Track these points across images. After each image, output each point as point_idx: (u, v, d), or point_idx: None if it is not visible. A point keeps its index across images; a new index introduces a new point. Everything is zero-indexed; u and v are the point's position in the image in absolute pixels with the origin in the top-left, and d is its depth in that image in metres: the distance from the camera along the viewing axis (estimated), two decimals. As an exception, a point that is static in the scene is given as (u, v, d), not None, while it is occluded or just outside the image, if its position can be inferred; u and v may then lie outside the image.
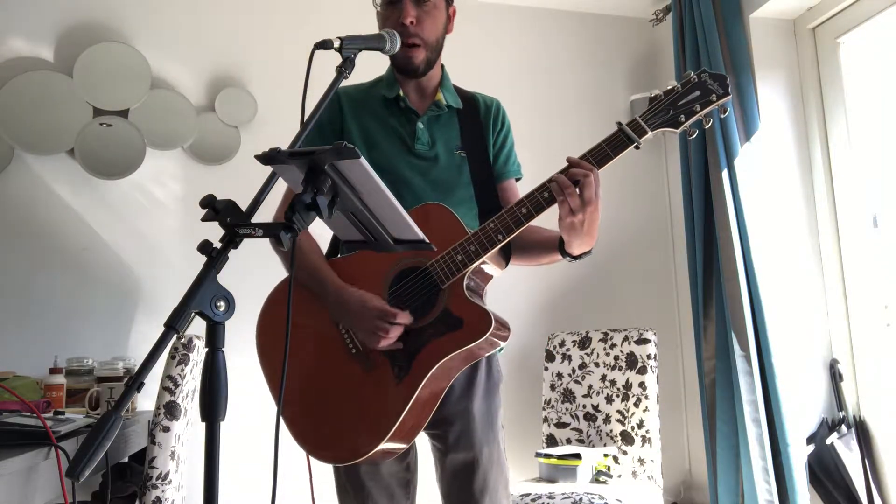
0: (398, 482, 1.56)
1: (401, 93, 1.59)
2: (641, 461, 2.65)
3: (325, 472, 1.54)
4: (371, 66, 1.71)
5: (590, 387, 2.84)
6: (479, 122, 1.62)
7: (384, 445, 1.38)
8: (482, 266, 1.43)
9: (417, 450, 1.63)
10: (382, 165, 1.55)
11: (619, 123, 1.36)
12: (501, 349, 1.61)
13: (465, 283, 1.38)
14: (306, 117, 1.24)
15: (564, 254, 1.42)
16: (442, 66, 1.64)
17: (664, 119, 1.36)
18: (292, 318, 1.50)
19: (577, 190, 1.30)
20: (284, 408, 1.46)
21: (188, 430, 2.09)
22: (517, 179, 1.69)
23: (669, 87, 1.38)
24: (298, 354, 1.46)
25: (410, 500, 1.60)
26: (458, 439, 1.51)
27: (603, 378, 2.82)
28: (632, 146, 1.34)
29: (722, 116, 1.39)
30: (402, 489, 1.57)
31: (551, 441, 2.85)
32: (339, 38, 1.30)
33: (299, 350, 1.46)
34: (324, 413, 1.44)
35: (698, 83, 1.37)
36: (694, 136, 1.41)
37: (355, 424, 1.40)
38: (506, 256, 1.51)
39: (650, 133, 1.36)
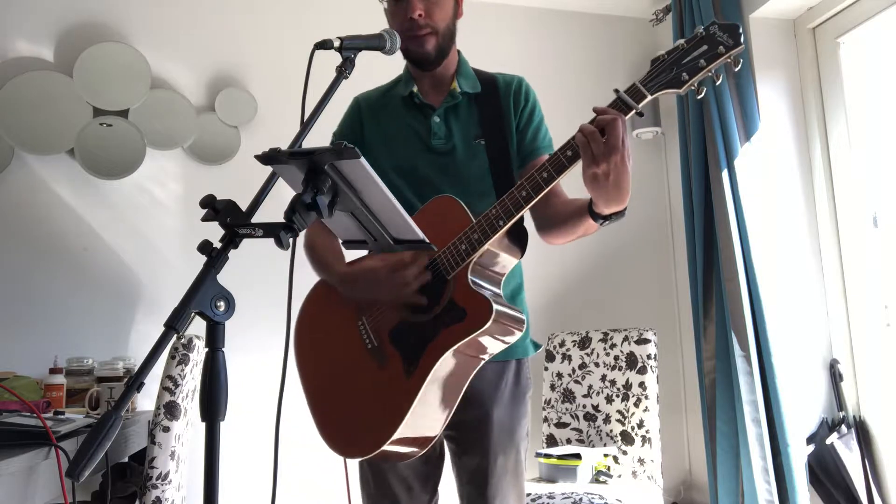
0: (417, 476, 1.56)
1: (414, 89, 1.57)
2: (641, 461, 2.65)
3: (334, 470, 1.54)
4: (373, 66, 1.72)
5: (590, 387, 2.84)
6: (499, 104, 1.56)
7: (395, 446, 1.36)
8: (494, 255, 1.39)
9: (444, 446, 1.60)
10: (403, 166, 1.54)
11: (617, 91, 1.25)
12: (537, 349, 1.59)
13: (469, 272, 1.34)
14: (306, 117, 1.24)
15: (595, 217, 1.33)
16: (458, 52, 1.61)
17: (666, 80, 1.23)
18: (322, 320, 1.54)
19: (603, 137, 1.20)
20: (314, 405, 1.50)
21: (188, 430, 2.09)
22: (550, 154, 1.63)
23: (674, 46, 1.24)
24: (325, 352, 1.51)
25: (430, 494, 1.59)
26: (473, 444, 1.49)
27: (603, 378, 2.82)
28: (631, 113, 1.23)
29: (735, 69, 1.24)
30: (420, 484, 1.56)
31: (551, 441, 2.85)
32: (339, 38, 1.30)
33: (326, 348, 1.50)
34: (342, 409, 1.46)
35: (706, 37, 1.21)
36: (702, 96, 1.26)
37: (367, 420, 1.40)
38: (521, 245, 1.46)
39: (650, 97, 1.23)
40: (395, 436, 1.34)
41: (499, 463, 1.47)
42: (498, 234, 1.32)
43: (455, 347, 1.32)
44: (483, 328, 1.29)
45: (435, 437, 1.42)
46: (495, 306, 1.29)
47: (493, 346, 1.39)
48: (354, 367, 1.46)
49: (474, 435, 1.49)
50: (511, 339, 1.39)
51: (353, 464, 1.57)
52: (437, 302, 1.36)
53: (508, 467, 1.48)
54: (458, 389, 1.40)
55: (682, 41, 1.24)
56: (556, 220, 1.48)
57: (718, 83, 1.25)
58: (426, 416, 1.38)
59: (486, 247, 1.33)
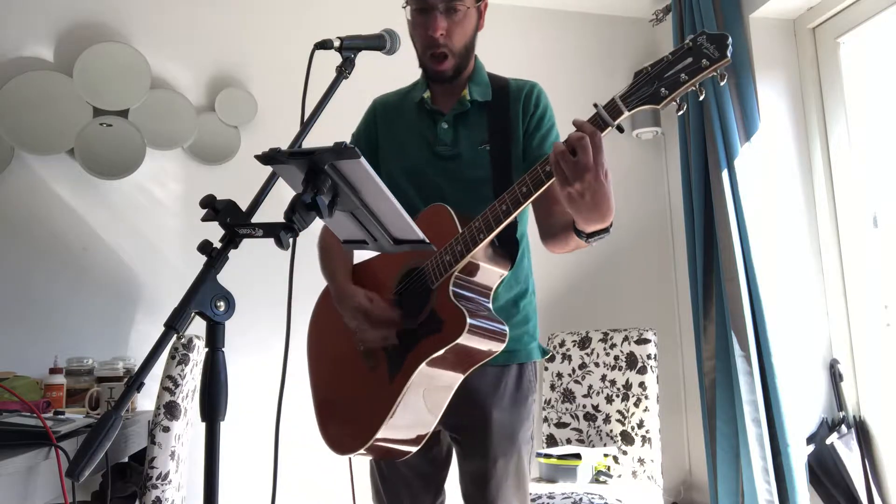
0: (418, 476, 1.58)
1: (425, 95, 1.58)
2: (641, 461, 2.65)
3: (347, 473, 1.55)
4: (375, 66, 1.72)
5: (590, 387, 2.84)
6: (507, 110, 1.56)
7: (381, 443, 1.39)
8: (479, 266, 1.40)
9: (451, 448, 1.61)
10: (412, 170, 1.56)
11: (596, 105, 1.20)
12: (545, 355, 1.59)
13: (451, 283, 1.35)
14: (306, 117, 1.24)
15: (579, 233, 1.31)
16: (475, 57, 1.60)
17: (645, 95, 1.17)
18: (329, 320, 1.57)
19: (575, 157, 1.15)
20: (316, 400, 1.58)
21: (188, 430, 2.09)
22: None
23: (659, 58, 1.18)
24: (328, 352, 1.57)
25: (433, 495, 1.60)
26: (474, 447, 1.50)
27: (603, 378, 2.82)
28: (608, 129, 1.18)
29: (721, 84, 1.16)
30: (422, 483, 1.58)
31: (551, 441, 2.85)
32: (340, 38, 1.30)
33: (329, 348, 1.57)
34: (336, 408, 1.52)
35: (692, 48, 1.14)
36: (682, 112, 1.19)
37: (354, 420, 1.43)
38: (510, 257, 1.47)
39: (627, 113, 1.18)
40: (378, 438, 1.36)
41: (499, 466, 1.47)
42: (480, 247, 1.32)
43: (431, 358, 1.33)
44: (457, 340, 1.29)
45: (426, 436, 1.44)
46: (469, 319, 1.29)
47: (476, 356, 1.38)
48: (349, 367, 1.50)
49: (475, 438, 1.50)
50: (493, 351, 1.38)
51: (358, 465, 1.58)
52: (421, 311, 1.38)
53: (510, 471, 1.48)
54: (445, 394, 1.41)
55: (668, 53, 1.18)
56: (554, 231, 1.48)
57: (702, 98, 1.21)
58: (412, 418, 1.40)
59: (467, 259, 1.33)
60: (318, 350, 1.61)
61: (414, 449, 1.44)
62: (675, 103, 1.18)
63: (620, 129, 1.19)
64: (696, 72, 1.14)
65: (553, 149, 1.18)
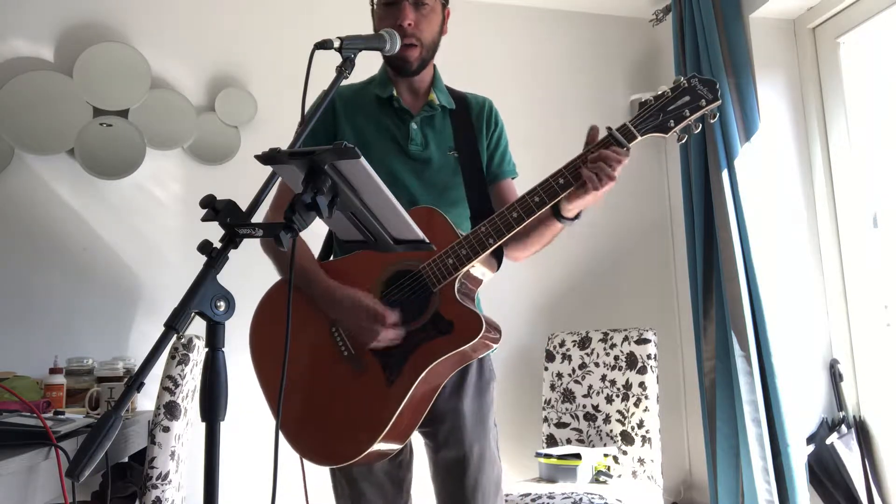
0: (391, 480, 1.57)
1: (394, 93, 1.59)
2: (641, 461, 2.65)
3: (320, 473, 1.55)
4: (369, 66, 1.72)
5: (590, 387, 2.83)
6: (470, 123, 1.62)
7: (377, 447, 1.39)
8: (477, 269, 1.44)
9: (413, 448, 1.63)
10: (376, 166, 1.54)
11: (609, 129, 1.37)
12: (494, 349, 1.62)
13: (456, 286, 1.39)
14: (306, 117, 1.24)
15: (560, 218, 1.44)
16: (434, 66, 1.64)
17: (654, 124, 1.38)
18: (293, 321, 1.52)
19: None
20: (278, 407, 1.47)
21: (188, 430, 2.09)
22: (513, 178, 1.69)
23: (659, 93, 1.40)
24: (290, 358, 1.45)
25: (404, 498, 1.61)
26: (448, 436, 1.52)
27: (603, 378, 2.82)
28: (622, 151, 1.35)
29: (711, 122, 1.40)
30: (395, 487, 1.58)
31: (551, 441, 2.85)
32: (339, 38, 1.31)
33: (291, 353, 1.45)
34: (315, 416, 1.45)
35: (688, 88, 1.38)
36: (684, 141, 1.42)
37: (347, 427, 1.41)
38: (497, 259, 1.51)
39: (640, 137, 1.37)
40: (377, 443, 1.36)
41: (475, 452, 1.51)
42: (487, 252, 1.38)
43: (443, 358, 1.36)
44: (474, 341, 1.34)
45: (409, 437, 1.46)
46: (484, 320, 1.35)
47: (476, 355, 1.45)
48: (328, 374, 1.45)
49: (450, 427, 1.52)
50: (494, 347, 1.45)
51: (313, 467, 1.54)
52: (421, 314, 1.40)
53: (485, 456, 1.52)
54: (434, 391, 1.45)
55: (667, 88, 1.40)
56: (520, 236, 1.51)
57: (697, 131, 1.40)
58: (406, 417, 1.41)
59: (475, 262, 1.38)
60: (276, 354, 1.52)
61: (396, 450, 1.46)
62: (676, 133, 1.39)
63: (627, 150, 1.37)
64: (696, 109, 1.37)
65: (590, 160, 1.34)
